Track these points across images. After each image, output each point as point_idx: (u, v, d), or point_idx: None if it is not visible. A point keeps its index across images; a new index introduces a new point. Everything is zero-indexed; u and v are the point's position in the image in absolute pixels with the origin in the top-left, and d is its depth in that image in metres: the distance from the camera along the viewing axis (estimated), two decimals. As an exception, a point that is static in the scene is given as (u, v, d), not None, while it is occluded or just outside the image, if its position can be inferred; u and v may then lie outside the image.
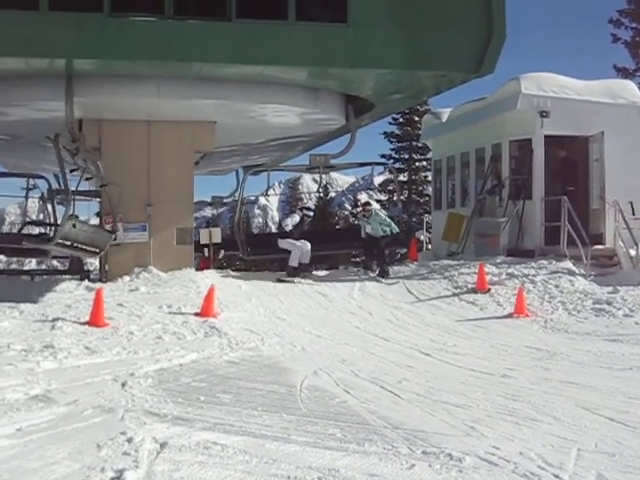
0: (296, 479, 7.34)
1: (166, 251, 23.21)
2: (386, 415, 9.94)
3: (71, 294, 19.83)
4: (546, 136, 25.49)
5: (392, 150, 57.57)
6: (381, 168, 43.08)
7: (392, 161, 57.69)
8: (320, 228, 57.55)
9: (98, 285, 20.60)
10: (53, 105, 21.51)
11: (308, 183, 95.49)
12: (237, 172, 34.27)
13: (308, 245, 21.96)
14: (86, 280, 23.82)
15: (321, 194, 73.22)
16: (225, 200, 25.17)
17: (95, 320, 16.27)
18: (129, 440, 8.43)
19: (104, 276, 23.38)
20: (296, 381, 12.03)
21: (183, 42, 19.19)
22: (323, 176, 26.68)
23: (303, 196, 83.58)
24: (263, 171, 28.74)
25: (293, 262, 21.28)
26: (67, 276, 26.68)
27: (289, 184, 77.69)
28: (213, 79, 21.30)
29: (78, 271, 27.15)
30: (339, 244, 27.31)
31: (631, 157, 25.60)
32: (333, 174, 30.93)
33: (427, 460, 8.01)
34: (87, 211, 29.17)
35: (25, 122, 23.44)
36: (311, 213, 43.34)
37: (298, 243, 21.42)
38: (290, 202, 79.22)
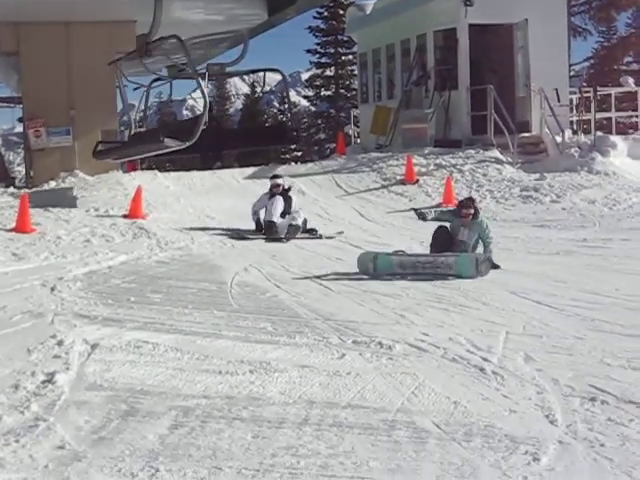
0: (227, 373, 7.36)
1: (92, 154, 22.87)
2: (317, 307, 10.00)
3: (-4, 201, 19.56)
4: (470, 25, 25.36)
5: (317, 45, 56.81)
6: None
7: (318, 56, 57.10)
8: (249, 126, 57.20)
9: (24, 191, 20.32)
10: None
11: (236, 82, 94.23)
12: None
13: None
14: (11, 187, 23.49)
15: (249, 92, 72.68)
16: (228, 69, 23.44)
17: (21, 226, 16.09)
18: (59, 343, 8.38)
19: (30, 182, 23.05)
20: (227, 278, 12.04)
21: None
22: (251, 76, 26.08)
23: (231, 95, 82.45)
24: (164, 79, 27.83)
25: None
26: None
27: (215, 84, 76.45)
28: (131, -25, 20.82)
29: (3, 178, 26.75)
30: (268, 141, 27.01)
31: (555, 44, 25.64)
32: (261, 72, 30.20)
33: (358, 349, 8.08)
34: (11, 117, 28.71)
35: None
36: None
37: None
38: (218, 102, 78.15)
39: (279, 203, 16.59)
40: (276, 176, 17.74)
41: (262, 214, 16.75)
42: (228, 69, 22.48)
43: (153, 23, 19.55)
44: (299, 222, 16.45)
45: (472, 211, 12.71)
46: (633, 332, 8.49)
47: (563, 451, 5.54)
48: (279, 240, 16.04)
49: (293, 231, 16.15)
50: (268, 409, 6.46)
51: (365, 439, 5.82)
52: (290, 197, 16.97)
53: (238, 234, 16.50)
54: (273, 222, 16.41)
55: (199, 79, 18.06)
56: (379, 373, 7.31)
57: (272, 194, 16.84)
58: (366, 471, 5.29)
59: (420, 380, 7.08)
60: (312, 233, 16.51)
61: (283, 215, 16.60)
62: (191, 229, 16.88)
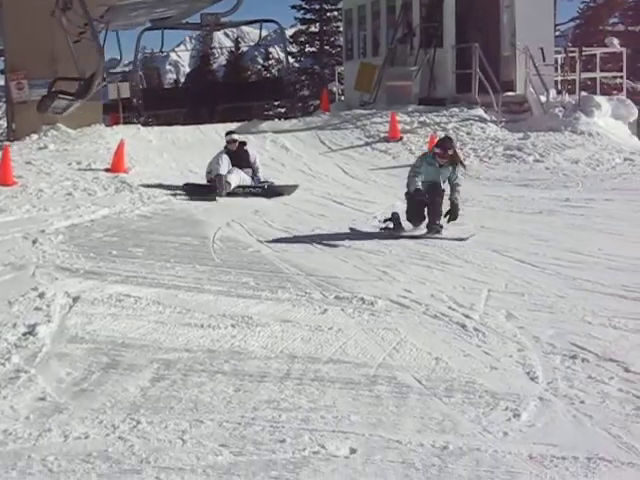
0: (209, 327, 7.38)
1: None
2: (299, 263, 10.00)
3: (-23, 154, 19.40)
4: (457, -18, 25.22)
5: (302, 0, 56.55)
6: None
7: (303, 12, 56.73)
8: (234, 81, 57.00)
9: (5, 144, 20.17)
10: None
11: (220, 37, 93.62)
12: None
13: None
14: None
15: (232, 48, 72.23)
16: (223, 20, 22.39)
17: (3, 179, 16.00)
18: (41, 295, 8.36)
19: (11, 135, 22.86)
20: (209, 233, 12.03)
21: None
22: (234, 30, 25.96)
23: (215, 51, 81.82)
24: (156, 29, 27.92)
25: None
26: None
27: (200, 38, 75.92)
28: None
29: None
30: (264, 96, 27.01)
31: (541, 3, 25.52)
32: (245, 28, 30.19)
33: (340, 305, 8.09)
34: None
35: None
36: None
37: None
38: (202, 57, 77.61)
39: (225, 158, 16.39)
40: (231, 132, 17.75)
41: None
42: (223, 19, 22.32)
43: (235, 7, 19.37)
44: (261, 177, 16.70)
45: (450, 152, 11.83)
46: (614, 291, 8.54)
47: (543, 407, 5.58)
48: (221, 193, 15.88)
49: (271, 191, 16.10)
50: (250, 363, 6.48)
51: (346, 394, 5.84)
52: (246, 151, 16.88)
53: (191, 188, 16.20)
54: (220, 175, 16.12)
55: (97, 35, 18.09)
56: (361, 329, 7.34)
57: (227, 151, 16.73)
58: (347, 425, 5.31)
59: (402, 336, 7.10)
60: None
61: (241, 168, 16.51)
62: (173, 185, 16.76)
